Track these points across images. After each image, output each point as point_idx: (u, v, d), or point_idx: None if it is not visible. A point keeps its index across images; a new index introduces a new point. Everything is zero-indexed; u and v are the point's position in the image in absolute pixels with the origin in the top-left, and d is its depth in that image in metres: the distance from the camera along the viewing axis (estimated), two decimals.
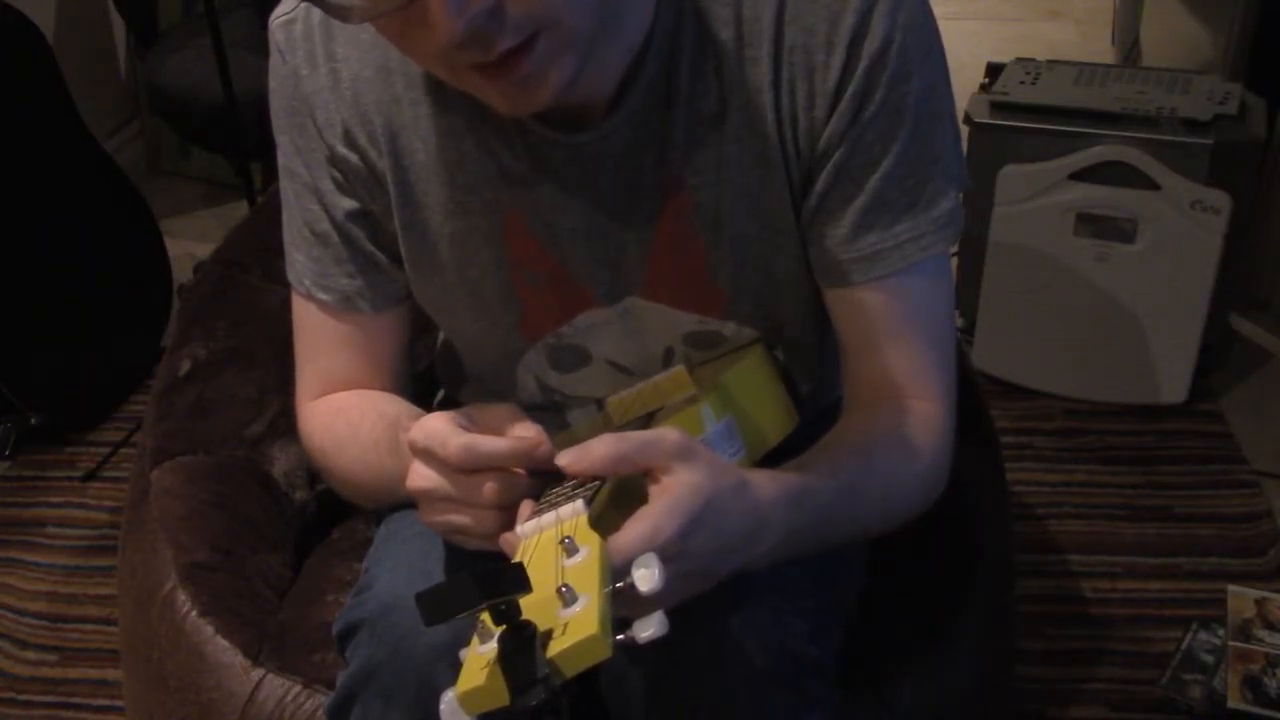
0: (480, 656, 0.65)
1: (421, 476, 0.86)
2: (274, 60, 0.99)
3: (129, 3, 2.74)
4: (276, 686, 1.13)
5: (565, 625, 0.64)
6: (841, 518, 0.93)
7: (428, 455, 0.85)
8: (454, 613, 0.61)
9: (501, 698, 0.63)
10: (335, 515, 1.34)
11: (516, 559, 0.75)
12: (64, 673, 1.75)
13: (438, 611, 0.62)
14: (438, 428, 0.85)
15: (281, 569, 1.29)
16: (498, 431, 0.88)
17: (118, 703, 1.67)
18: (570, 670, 0.63)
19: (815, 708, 0.93)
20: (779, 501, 0.85)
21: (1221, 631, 1.65)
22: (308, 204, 1.02)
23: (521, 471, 0.86)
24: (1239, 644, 1.63)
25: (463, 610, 0.61)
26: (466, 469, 0.84)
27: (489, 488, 0.84)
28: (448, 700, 0.65)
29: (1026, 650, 1.66)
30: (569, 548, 0.71)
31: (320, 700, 1.09)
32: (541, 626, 0.64)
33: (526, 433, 0.87)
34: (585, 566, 0.70)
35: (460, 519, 0.86)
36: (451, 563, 0.94)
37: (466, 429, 0.86)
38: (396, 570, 0.97)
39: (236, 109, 2.18)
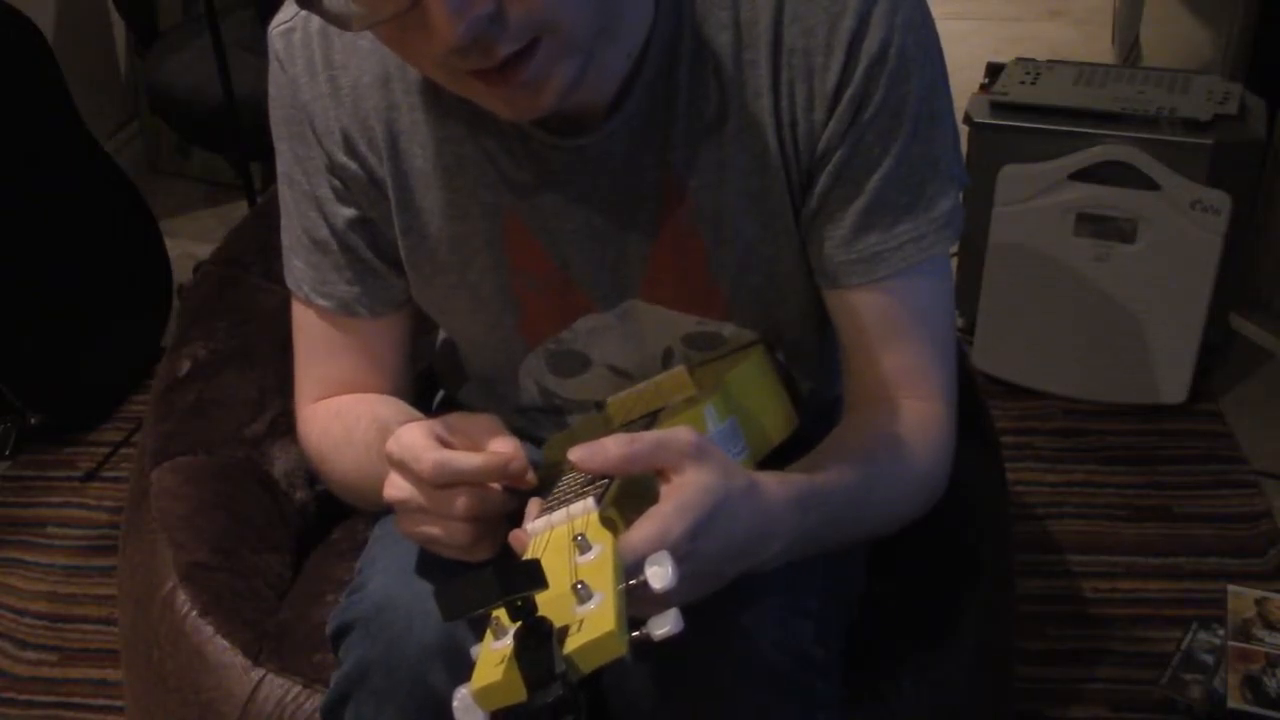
0: (495, 652, 0.65)
1: (396, 487, 0.86)
2: (273, 69, 0.99)
3: (129, 3, 2.73)
4: (276, 686, 1.13)
5: (581, 622, 0.64)
6: (847, 520, 0.93)
7: (402, 467, 0.85)
8: (472, 609, 0.61)
9: (518, 693, 0.62)
10: (335, 515, 1.34)
11: (527, 556, 0.75)
12: (64, 673, 1.74)
13: (456, 607, 0.61)
14: (414, 441, 0.85)
15: (281, 569, 1.29)
16: (476, 443, 0.88)
17: (118, 703, 1.66)
18: (586, 666, 0.63)
19: (822, 708, 0.93)
20: (788, 505, 0.85)
21: (1221, 631, 1.65)
22: (307, 211, 1.02)
23: (496, 486, 0.86)
24: (1239, 644, 1.63)
25: (481, 606, 0.61)
26: (439, 484, 0.84)
27: (461, 502, 0.84)
28: (461, 696, 0.65)
29: (1026, 650, 1.66)
30: (582, 545, 0.71)
31: (320, 700, 1.09)
32: (556, 623, 0.64)
33: (503, 448, 0.87)
34: (599, 563, 0.69)
35: (433, 530, 0.86)
36: (445, 563, 0.94)
37: (444, 441, 0.86)
38: (390, 570, 0.97)
39: (236, 109, 2.18)
